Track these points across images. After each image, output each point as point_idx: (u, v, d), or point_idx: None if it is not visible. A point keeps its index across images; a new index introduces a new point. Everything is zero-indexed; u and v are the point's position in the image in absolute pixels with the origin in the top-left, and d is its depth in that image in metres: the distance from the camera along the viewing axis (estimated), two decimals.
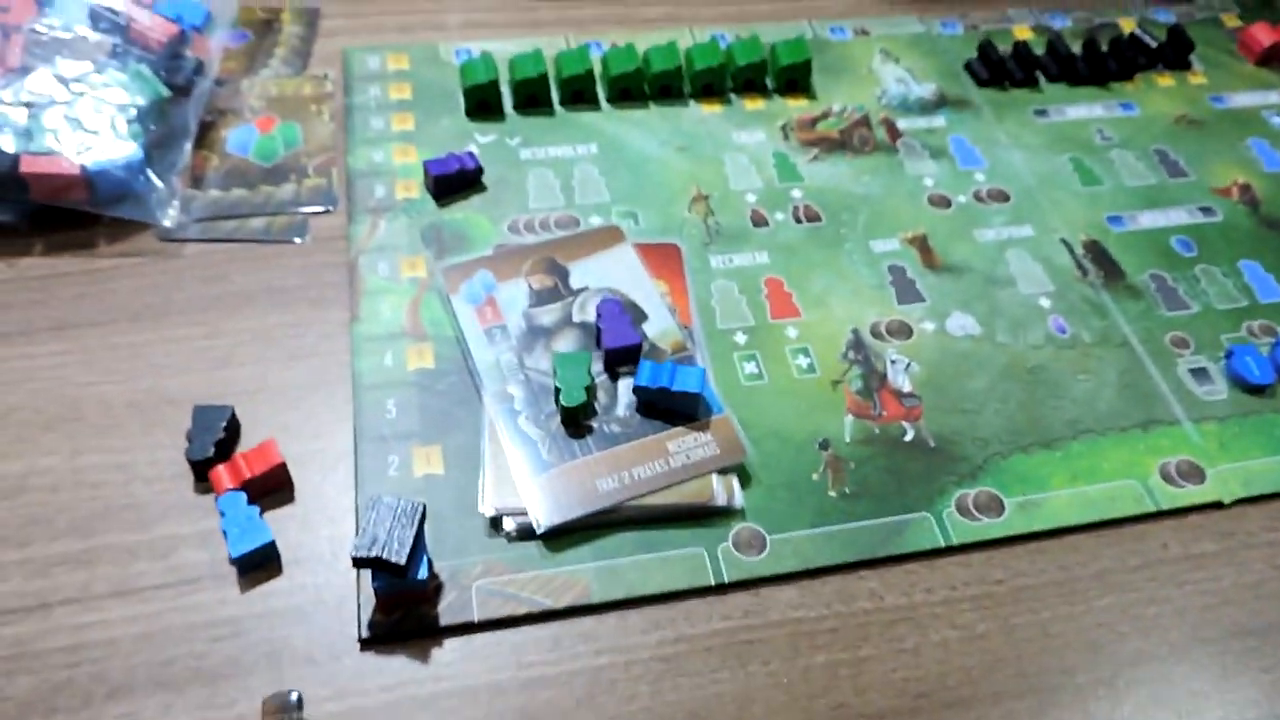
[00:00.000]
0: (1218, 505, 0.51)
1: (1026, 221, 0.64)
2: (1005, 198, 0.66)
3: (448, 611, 0.44)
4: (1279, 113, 0.75)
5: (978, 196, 0.66)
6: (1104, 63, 0.75)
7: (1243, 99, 0.76)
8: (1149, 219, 0.66)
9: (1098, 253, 0.63)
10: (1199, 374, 0.57)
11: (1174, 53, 0.77)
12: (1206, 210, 0.67)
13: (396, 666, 0.43)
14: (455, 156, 0.62)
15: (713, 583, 0.46)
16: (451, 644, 0.44)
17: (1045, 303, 0.60)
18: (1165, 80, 0.77)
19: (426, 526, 0.46)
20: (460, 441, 0.50)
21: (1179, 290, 0.61)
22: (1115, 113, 0.73)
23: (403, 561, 0.42)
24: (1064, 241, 0.63)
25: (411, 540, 0.43)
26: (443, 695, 0.42)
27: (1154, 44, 0.77)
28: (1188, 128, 0.73)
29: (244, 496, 0.46)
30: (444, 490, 0.48)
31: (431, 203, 0.61)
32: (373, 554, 0.42)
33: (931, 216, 0.64)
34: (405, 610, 0.44)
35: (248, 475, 0.47)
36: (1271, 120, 0.74)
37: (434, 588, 0.45)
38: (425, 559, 0.44)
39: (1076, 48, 0.77)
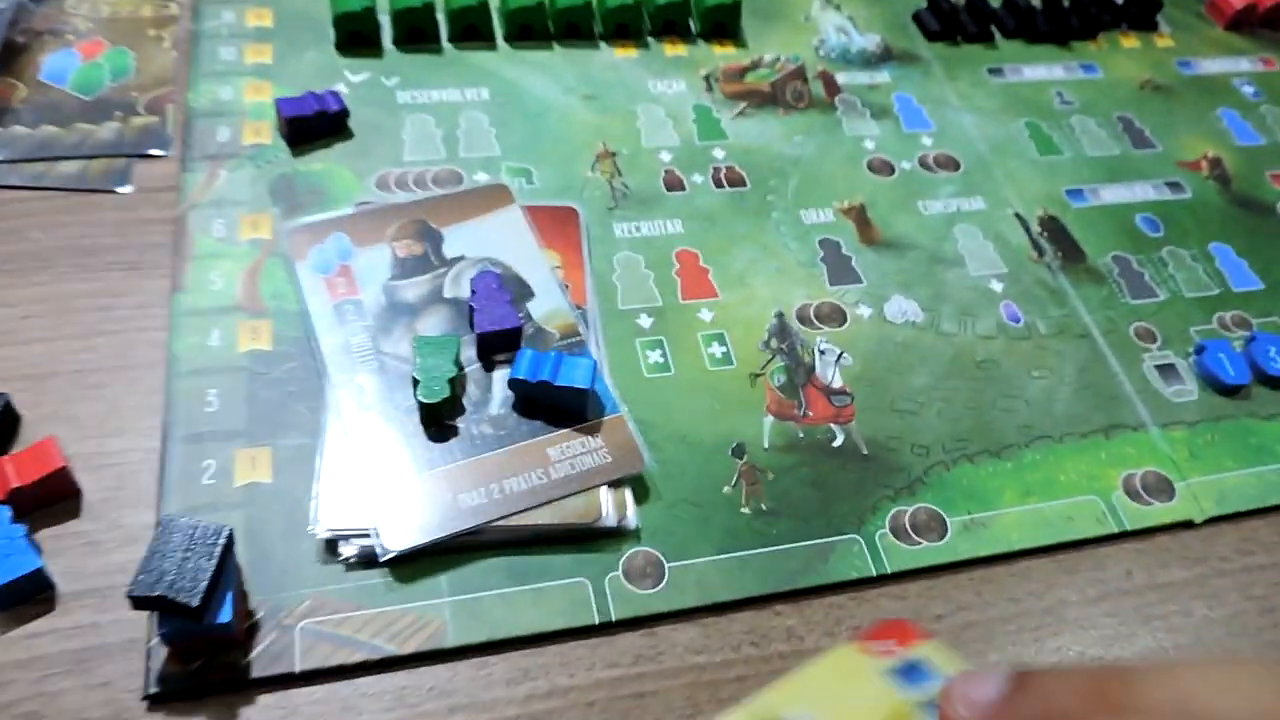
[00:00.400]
0: (1188, 525, 0.45)
1: (977, 193, 0.57)
2: (955, 165, 0.58)
3: (263, 660, 0.35)
4: (1250, 81, 0.68)
5: (924, 163, 0.58)
6: (1066, 19, 0.67)
7: (1212, 65, 0.69)
8: (1112, 194, 0.58)
9: (1055, 230, 0.56)
10: (1166, 371, 0.50)
11: (1139, 10, 0.70)
12: (1174, 186, 0.60)
13: None
14: (315, 95, 0.52)
15: (597, 621, 0.38)
16: (265, 701, 0.35)
17: (997, 286, 0.52)
18: (1130, 41, 0.69)
19: (243, 550, 0.37)
20: (295, 443, 0.41)
21: (1145, 275, 0.54)
22: (1076, 74, 0.66)
23: (195, 602, 0.33)
24: (1019, 217, 0.56)
25: (211, 574, 0.34)
26: None
27: (1119, 0, 0.70)
28: (1154, 94, 0.66)
29: (8, 511, 0.37)
30: (270, 503, 0.39)
31: (286, 151, 0.52)
32: (156, 593, 0.33)
33: (871, 184, 0.56)
34: (208, 658, 0.35)
35: (15, 483, 0.37)
36: (1243, 89, 0.67)
37: (245, 630, 0.36)
38: (230, 596, 0.34)
39: (1036, 1, 0.69)
